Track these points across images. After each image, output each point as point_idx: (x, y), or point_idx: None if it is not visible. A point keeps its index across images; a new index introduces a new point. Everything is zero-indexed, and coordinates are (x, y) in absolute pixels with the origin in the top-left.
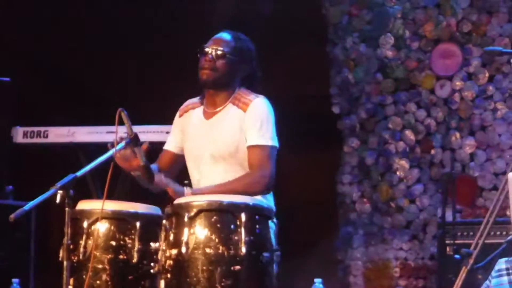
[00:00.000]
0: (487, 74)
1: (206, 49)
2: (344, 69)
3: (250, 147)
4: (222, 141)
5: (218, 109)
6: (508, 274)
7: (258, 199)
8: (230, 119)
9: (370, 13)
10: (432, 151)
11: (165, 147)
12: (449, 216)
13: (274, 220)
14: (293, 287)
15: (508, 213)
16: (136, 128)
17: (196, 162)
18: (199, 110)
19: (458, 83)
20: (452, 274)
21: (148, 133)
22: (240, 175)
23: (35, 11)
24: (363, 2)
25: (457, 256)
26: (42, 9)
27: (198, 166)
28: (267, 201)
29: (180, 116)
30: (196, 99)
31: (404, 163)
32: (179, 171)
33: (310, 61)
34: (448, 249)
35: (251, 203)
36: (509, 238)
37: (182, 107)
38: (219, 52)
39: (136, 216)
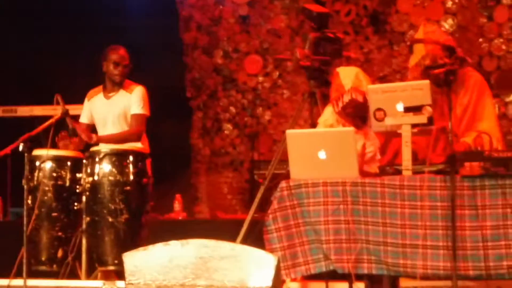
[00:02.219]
0: (277, 72)
1: (118, 62)
2: (193, 70)
3: (133, 115)
4: (118, 112)
5: (113, 94)
6: (287, 190)
7: (140, 147)
8: (122, 99)
9: (206, 38)
10: (246, 119)
11: (81, 120)
12: (256, 157)
13: (150, 159)
14: (164, 200)
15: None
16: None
17: (102, 125)
18: (100, 95)
19: (260, 78)
20: (257, 191)
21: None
22: None
23: None
24: (205, 31)
25: (259, 180)
26: None
27: (103, 128)
28: (144, 147)
29: (88, 100)
30: (96, 88)
31: (230, 126)
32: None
33: (175, 66)
34: (255, 176)
35: (135, 149)
36: (285, 171)
37: (89, 93)
38: (126, 64)
39: (68, 158)
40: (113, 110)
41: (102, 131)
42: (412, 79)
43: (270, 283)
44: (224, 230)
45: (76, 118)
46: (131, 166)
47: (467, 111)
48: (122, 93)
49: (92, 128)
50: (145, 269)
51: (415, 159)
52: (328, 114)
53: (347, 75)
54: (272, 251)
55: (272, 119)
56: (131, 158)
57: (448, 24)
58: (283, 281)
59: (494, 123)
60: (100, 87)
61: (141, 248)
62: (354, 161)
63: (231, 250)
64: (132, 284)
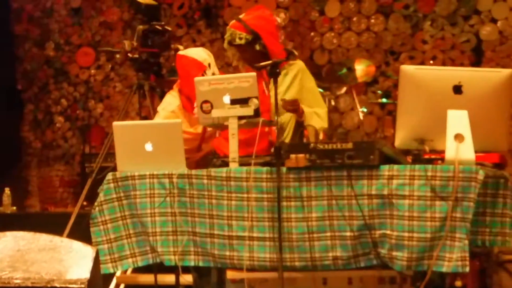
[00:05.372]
0: (110, 65)
1: None
2: (24, 63)
3: None
4: None
5: None
6: (113, 182)
7: None
8: None
9: (37, 30)
10: (78, 112)
11: None
12: (87, 150)
13: None
14: None
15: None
16: None
17: None
18: None
19: (93, 71)
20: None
21: None
22: None
23: None
24: (36, 23)
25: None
26: None
27: None
28: None
29: None
30: None
31: (61, 118)
32: None
33: (5, 59)
34: (86, 169)
35: None
36: (113, 163)
37: None
38: None
39: None
40: None
41: None
42: (231, 56)
43: (88, 275)
44: (54, 224)
45: None
46: None
47: (285, 96)
48: None
49: None
50: None
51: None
52: (169, 101)
53: (198, 54)
54: (98, 243)
55: (104, 112)
56: None
57: (280, 18)
58: (113, 274)
59: (323, 103)
60: None
61: None
62: (181, 153)
63: (49, 242)
64: None
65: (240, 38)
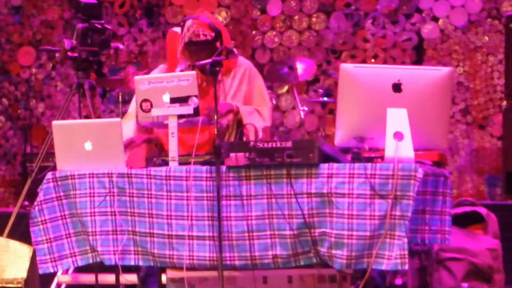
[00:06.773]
0: (51, 64)
1: None
2: None
3: None
4: None
5: None
6: (53, 181)
7: None
8: None
9: None
10: (19, 111)
11: None
12: (28, 149)
13: None
14: None
15: None
16: None
17: None
18: None
19: (34, 70)
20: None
21: None
22: None
23: None
24: None
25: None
26: None
27: None
28: None
29: None
30: None
31: (2, 118)
32: None
33: None
34: (27, 169)
35: None
36: (53, 162)
37: None
38: None
39: None
40: None
41: None
42: (180, 53)
43: (24, 275)
44: None
45: None
46: None
47: (236, 97)
48: None
49: None
50: None
51: None
52: None
53: None
54: (38, 243)
55: (46, 111)
56: None
57: (221, 16)
58: (54, 274)
59: (267, 100)
60: None
61: None
62: (121, 152)
63: None
64: None
65: (205, 35)
